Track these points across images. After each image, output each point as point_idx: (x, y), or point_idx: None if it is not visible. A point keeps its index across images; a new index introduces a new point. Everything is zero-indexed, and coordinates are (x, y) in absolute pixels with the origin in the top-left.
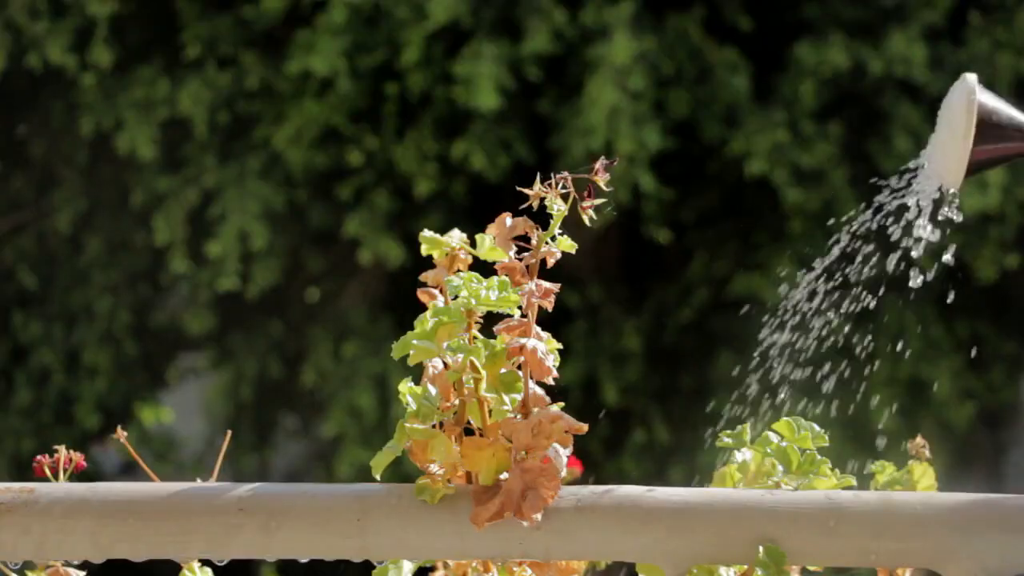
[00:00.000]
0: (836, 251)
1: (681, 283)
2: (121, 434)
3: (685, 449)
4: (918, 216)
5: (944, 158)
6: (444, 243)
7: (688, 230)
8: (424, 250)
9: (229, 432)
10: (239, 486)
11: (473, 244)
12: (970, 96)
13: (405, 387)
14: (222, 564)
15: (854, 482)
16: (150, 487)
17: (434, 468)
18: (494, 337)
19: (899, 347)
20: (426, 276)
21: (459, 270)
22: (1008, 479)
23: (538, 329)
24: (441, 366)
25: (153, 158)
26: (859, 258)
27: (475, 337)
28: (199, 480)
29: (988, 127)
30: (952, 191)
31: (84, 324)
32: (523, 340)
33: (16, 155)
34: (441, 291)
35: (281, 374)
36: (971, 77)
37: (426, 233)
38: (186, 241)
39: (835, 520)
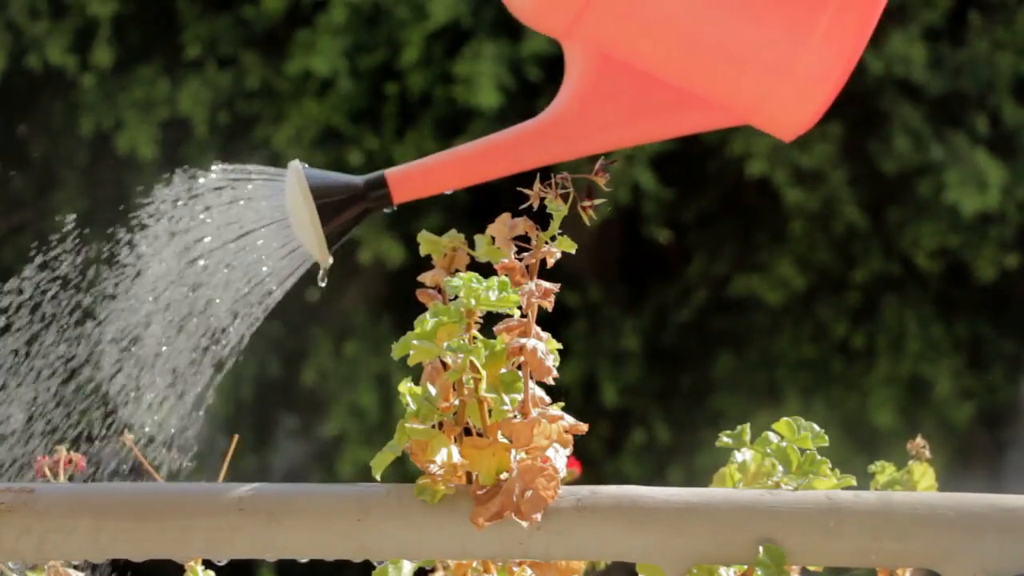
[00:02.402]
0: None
1: (681, 283)
2: (128, 437)
3: (685, 449)
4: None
5: (307, 239)
6: (443, 243)
7: (688, 230)
8: (423, 250)
9: (235, 436)
10: (239, 486)
11: (472, 244)
12: (302, 184)
13: (405, 387)
14: (221, 564)
15: (854, 482)
16: (150, 487)
17: (434, 468)
18: (494, 337)
19: (899, 346)
20: (424, 276)
21: (458, 270)
22: (1008, 479)
23: (538, 329)
24: (441, 366)
25: (153, 158)
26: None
27: (475, 337)
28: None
29: (326, 207)
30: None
31: None
32: (523, 340)
33: (16, 155)
34: (440, 291)
35: (281, 374)
36: (295, 164)
37: (424, 234)
38: None
39: (835, 520)
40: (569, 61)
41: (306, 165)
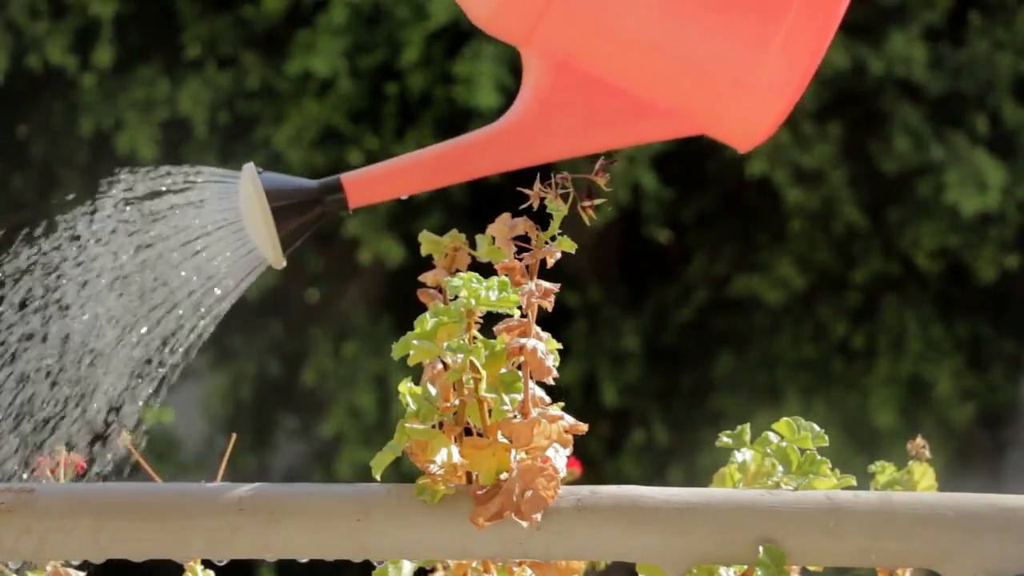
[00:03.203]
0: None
1: (681, 283)
2: (127, 438)
3: (685, 449)
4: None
5: (261, 242)
6: (444, 243)
7: (688, 230)
8: (424, 250)
9: (233, 436)
10: (239, 486)
11: (473, 244)
12: (256, 188)
13: (405, 387)
14: (222, 564)
15: (854, 482)
16: (150, 487)
17: (434, 468)
18: (494, 337)
19: (900, 346)
20: (426, 276)
21: (458, 270)
22: (1008, 479)
23: (538, 329)
24: (441, 366)
25: (153, 158)
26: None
27: (475, 337)
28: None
29: (280, 210)
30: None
31: None
32: (523, 340)
33: (16, 155)
34: (441, 291)
35: (281, 374)
36: (249, 167)
37: (426, 234)
38: None
39: (835, 520)
40: (526, 68)
41: (261, 169)
